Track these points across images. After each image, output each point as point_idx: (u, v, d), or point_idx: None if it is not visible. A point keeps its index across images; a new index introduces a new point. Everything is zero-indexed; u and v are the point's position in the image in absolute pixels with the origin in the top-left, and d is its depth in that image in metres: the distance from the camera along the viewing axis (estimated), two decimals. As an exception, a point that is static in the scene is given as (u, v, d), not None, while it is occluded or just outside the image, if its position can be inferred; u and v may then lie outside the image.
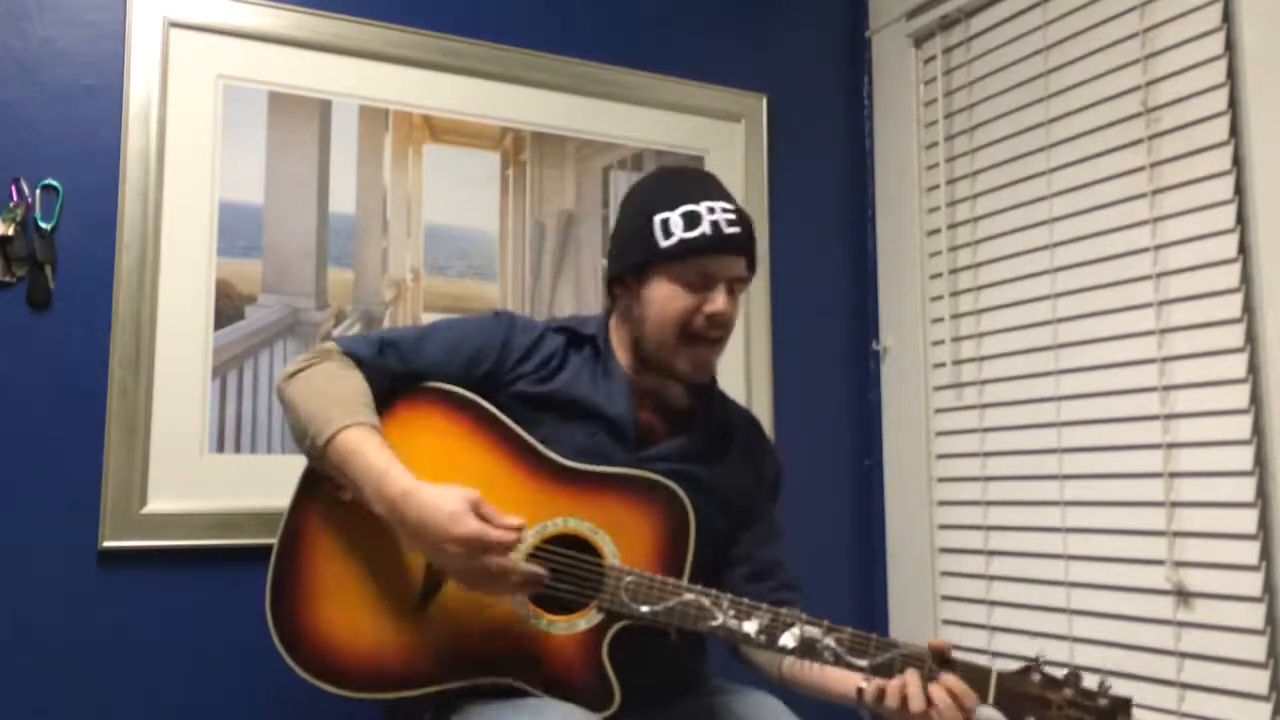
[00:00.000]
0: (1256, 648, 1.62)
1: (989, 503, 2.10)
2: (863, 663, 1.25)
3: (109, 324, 1.76)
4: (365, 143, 2.00)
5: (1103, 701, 1.20)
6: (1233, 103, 1.71)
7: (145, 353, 1.77)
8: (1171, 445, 1.77)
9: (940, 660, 1.24)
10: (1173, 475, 1.76)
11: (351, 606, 1.33)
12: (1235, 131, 1.71)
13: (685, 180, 1.47)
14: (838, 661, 1.26)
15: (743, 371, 2.28)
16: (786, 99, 2.40)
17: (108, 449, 1.73)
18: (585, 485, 1.36)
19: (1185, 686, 1.71)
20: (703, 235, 1.36)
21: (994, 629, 2.05)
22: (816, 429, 2.36)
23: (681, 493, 1.35)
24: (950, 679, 1.23)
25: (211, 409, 1.82)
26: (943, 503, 2.22)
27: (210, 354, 1.83)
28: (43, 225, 1.73)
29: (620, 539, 1.33)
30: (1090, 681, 1.22)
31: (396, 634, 1.32)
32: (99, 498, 1.72)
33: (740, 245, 1.40)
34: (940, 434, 2.24)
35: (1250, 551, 1.64)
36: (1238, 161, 1.70)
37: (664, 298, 1.40)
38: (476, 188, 2.09)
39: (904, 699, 1.21)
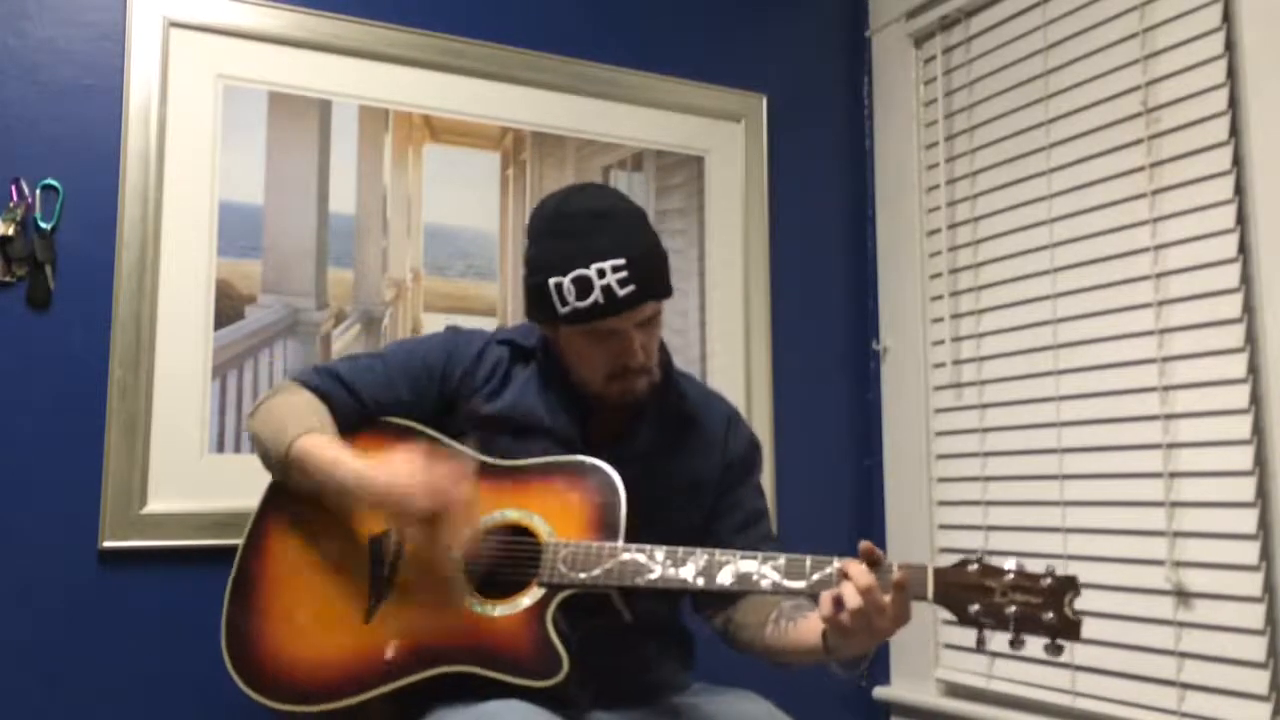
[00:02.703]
0: (1256, 648, 1.62)
1: (989, 503, 2.10)
2: (800, 585, 1.25)
3: (109, 324, 1.76)
4: (365, 143, 2.00)
5: (1046, 581, 1.15)
6: (1233, 103, 1.71)
7: (145, 353, 1.77)
8: (1171, 445, 1.77)
9: (872, 563, 1.22)
10: (1173, 475, 1.76)
11: (302, 630, 1.39)
12: (1235, 131, 1.71)
13: (576, 231, 1.38)
14: (776, 589, 1.27)
15: (743, 371, 2.28)
16: (786, 99, 2.40)
17: (108, 449, 1.73)
18: (513, 478, 1.41)
19: (1185, 686, 1.71)
20: (595, 304, 1.34)
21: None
22: (816, 429, 2.36)
23: (603, 464, 1.38)
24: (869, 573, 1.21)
25: (211, 409, 1.82)
26: (943, 503, 2.22)
27: (210, 354, 1.83)
28: (43, 225, 1.73)
29: (553, 519, 1.37)
30: (1035, 567, 1.18)
31: (346, 645, 1.36)
32: (99, 498, 1.72)
33: (637, 301, 1.37)
34: (940, 434, 2.24)
35: (1250, 551, 1.64)
36: (1238, 161, 1.70)
37: (577, 352, 1.43)
38: (476, 188, 2.09)
39: (843, 601, 1.19)
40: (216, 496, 1.79)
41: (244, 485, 1.78)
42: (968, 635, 1.25)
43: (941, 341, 2.24)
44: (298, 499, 1.43)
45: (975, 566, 1.20)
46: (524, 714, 1.24)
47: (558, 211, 1.43)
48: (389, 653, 1.33)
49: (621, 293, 1.34)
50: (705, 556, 1.30)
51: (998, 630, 1.17)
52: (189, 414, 1.80)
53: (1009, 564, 1.19)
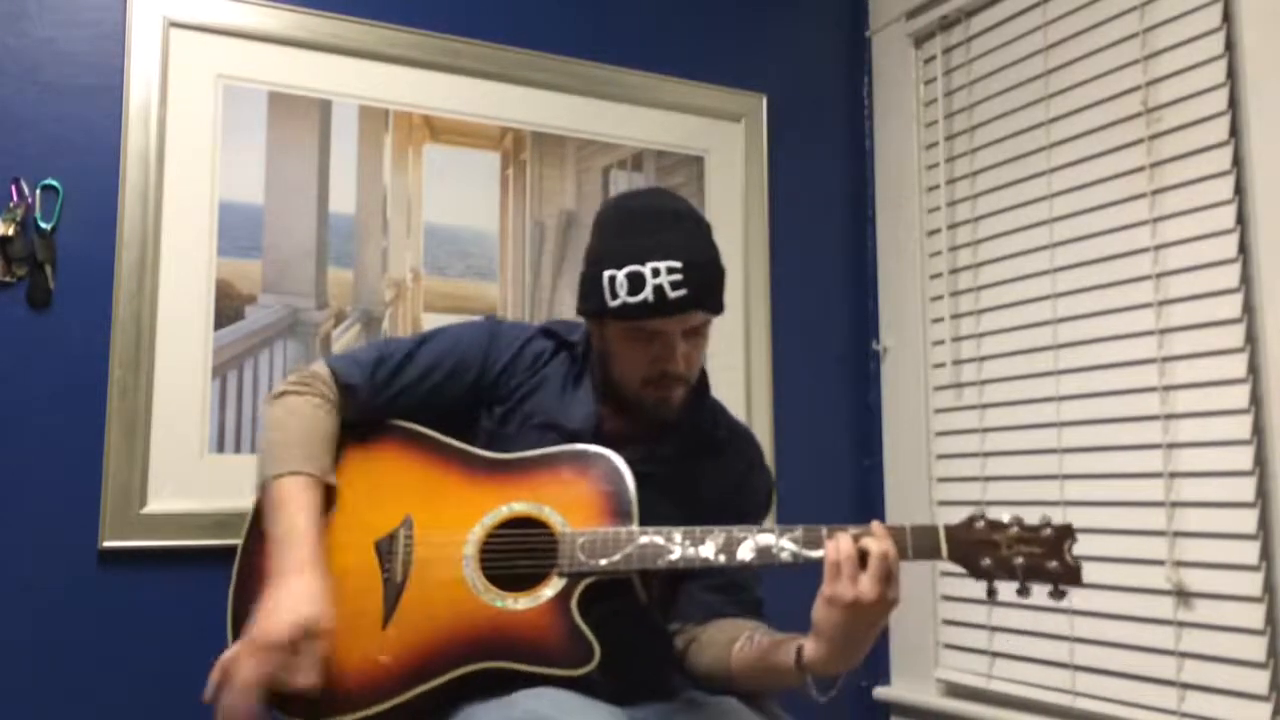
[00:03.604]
0: (1256, 648, 1.62)
1: (989, 502, 2.10)
2: (818, 554, 1.25)
3: (109, 324, 1.76)
4: (365, 143, 2.00)
5: (1047, 532, 1.22)
6: (1233, 103, 1.71)
7: (145, 353, 1.77)
8: (1171, 445, 1.77)
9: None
10: (1173, 475, 1.76)
11: None
12: (1235, 131, 1.71)
13: (638, 229, 1.39)
14: (796, 560, 1.27)
15: (743, 372, 2.28)
16: (786, 99, 2.40)
17: (108, 449, 1.73)
18: (519, 471, 1.40)
19: (1185, 686, 1.71)
20: (645, 302, 1.34)
21: (994, 629, 2.05)
22: (816, 429, 2.36)
23: (607, 451, 1.38)
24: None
25: (211, 409, 1.82)
26: (943, 503, 2.22)
27: (210, 354, 1.83)
28: (43, 225, 1.73)
29: (565, 509, 1.36)
30: (1032, 518, 1.24)
31: (367, 650, 1.33)
32: (99, 498, 1.72)
33: (687, 306, 1.36)
34: (940, 434, 2.24)
35: (1250, 551, 1.64)
36: (1238, 161, 1.70)
37: (620, 349, 1.42)
38: (476, 188, 2.09)
39: (840, 567, 1.20)
40: (216, 496, 1.79)
41: (244, 485, 1.77)
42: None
43: (941, 341, 2.24)
44: None
45: (981, 523, 1.24)
46: (558, 700, 1.23)
47: (625, 208, 1.45)
48: (384, 659, 1.31)
49: (672, 295, 1.34)
50: (723, 534, 1.30)
51: (1007, 581, 1.22)
52: (189, 414, 1.80)
53: (1006, 516, 1.24)
